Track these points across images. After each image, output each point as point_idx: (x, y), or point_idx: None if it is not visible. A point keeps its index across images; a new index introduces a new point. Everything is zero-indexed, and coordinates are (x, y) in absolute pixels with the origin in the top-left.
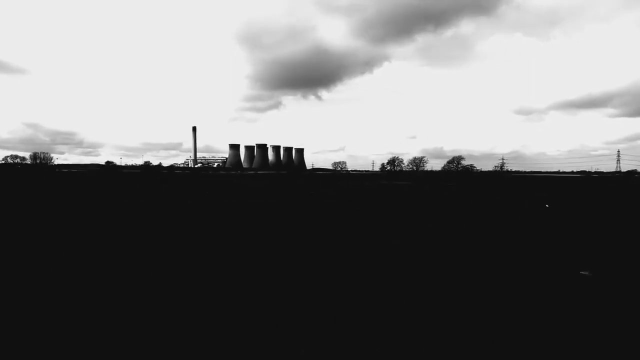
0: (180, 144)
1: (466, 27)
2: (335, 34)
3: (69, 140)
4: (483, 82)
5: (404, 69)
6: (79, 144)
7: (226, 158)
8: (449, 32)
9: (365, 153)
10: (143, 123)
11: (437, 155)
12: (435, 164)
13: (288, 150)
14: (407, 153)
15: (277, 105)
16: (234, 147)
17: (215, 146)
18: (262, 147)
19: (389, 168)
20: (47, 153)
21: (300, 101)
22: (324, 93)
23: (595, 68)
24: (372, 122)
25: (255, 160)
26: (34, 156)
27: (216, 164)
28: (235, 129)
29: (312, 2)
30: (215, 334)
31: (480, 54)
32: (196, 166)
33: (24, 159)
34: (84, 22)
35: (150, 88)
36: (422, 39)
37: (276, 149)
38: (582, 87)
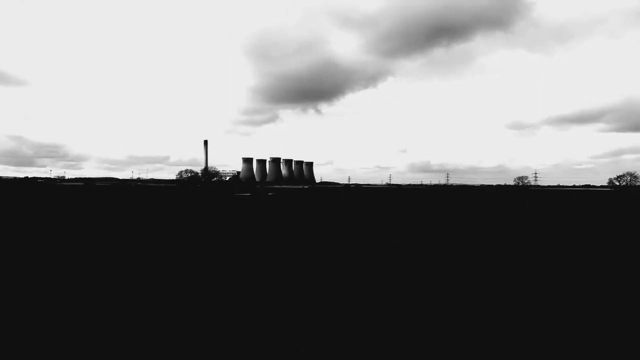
0: (167, 157)
1: (478, 42)
2: (347, 47)
3: (53, 153)
4: (481, 96)
5: (407, 84)
6: (63, 157)
7: (238, 172)
8: (460, 47)
9: (352, 167)
10: (130, 135)
11: (424, 169)
12: (420, 178)
13: (299, 164)
14: (394, 167)
15: (274, 118)
16: (247, 161)
17: (203, 159)
18: (276, 161)
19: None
20: (213, 167)
21: (299, 115)
22: (324, 107)
23: (593, 84)
24: (365, 136)
25: (269, 175)
26: (205, 170)
27: (228, 178)
28: (228, 142)
29: (328, 15)
30: (214, 332)
31: (483, 69)
32: (213, 180)
33: (196, 173)
34: (69, 30)
35: (141, 98)
36: (433, 54)
37: (288, 162)
38: (578, 103)
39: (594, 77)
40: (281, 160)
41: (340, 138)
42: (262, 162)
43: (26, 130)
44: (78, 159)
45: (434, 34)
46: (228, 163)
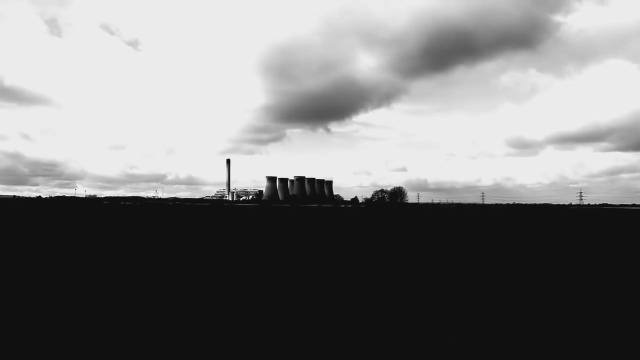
0: (164, 176)
1: (502, 61)
2: (368, 66)
3: (50, 171)
4: (489, 115)
5: (419, 103)
6: (59, 175)
7: (260, 191)
8: (482, 66)
9: (350, 184)
10: (125, 152)
11: (420, 187)
12: (412, 197)
13: (320, 182)
14: (389, 185)
15: (281, 137)
16: (271, 180)
17: (201, 178)
18: (301, 180)
19: None
20: (402, 188)
21: (308, 134)
22: (335, 126)
23: (604, 105)
24: (368, 155)
25: (293, 193)
26: (395, 192)
27: (251, 196)
28: (233, 160)
29: (357, 34)
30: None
31: (499, 88)
32: (241, 199)
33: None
34: (67, 42)
35: (140, 112)
36: (454, 73)
37: (311, 181)
38: (586, 123)
39: (607, 98)
40: (305, 179)
41: (343, 156)
42: (283, 181)
43: (23, 147)
44: (73, 178)
45: (459, 53)
46: (236, 179)
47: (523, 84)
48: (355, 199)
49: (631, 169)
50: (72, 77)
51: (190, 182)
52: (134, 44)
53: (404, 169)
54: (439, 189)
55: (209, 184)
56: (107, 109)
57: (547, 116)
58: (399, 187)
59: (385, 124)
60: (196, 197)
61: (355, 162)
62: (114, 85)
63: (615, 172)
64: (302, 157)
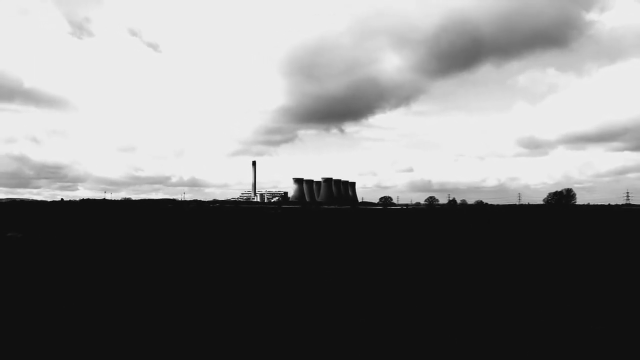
0: (168, 178)
1: (527, 61)
2: (394, 67)
3: (54, 174)
4: (500, 116)
5: (432, 102)
6: (62, 178)
7: (285, 192)
8: (511, 65)
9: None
10: (135, 153)
11: (425, 188)
12: (416, 197)
13: (345, 184)
14: (394, 186)
15: (293, 138)
16: (298, 181)
17: (204, 180)
18: (328, 181)
19: None
20: (571, 190)
21: (321, 135)
22: (350, 126)
23: (621, 102)
24: (376, 155)
25: (321, 194)
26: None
27: (276, 198)
28: (237, 162)
29: (387, 34)
30: None
31: (517, 87)
32: (272, 200)
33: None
34: (88, 43)
35: (146, 112)
36: (478, 72)
37: (336, 183)
38: (601, 121)
39: (625, 97)
40: (332, 181)
41: (351, 157)
42: (309, 182)
43: (29, 150)
44: (75, 180)
45: (487, 52)
46: (240, 181)
47: (540, 83)
48: (454, 201)
49: (638, 169)
50: (91, 79)
51: (193, 184)
52: (154, 45)
53: (410, 170)
54: (442, 190)
55: (211, 185)
56: (124, 111)
57: (562, 116)
58: (568, 189)
59: (395, 125)
60: (222, 200)
61: (363, 162)
62: (132, 87)
63: (622, 172)
64: (310, 158)
